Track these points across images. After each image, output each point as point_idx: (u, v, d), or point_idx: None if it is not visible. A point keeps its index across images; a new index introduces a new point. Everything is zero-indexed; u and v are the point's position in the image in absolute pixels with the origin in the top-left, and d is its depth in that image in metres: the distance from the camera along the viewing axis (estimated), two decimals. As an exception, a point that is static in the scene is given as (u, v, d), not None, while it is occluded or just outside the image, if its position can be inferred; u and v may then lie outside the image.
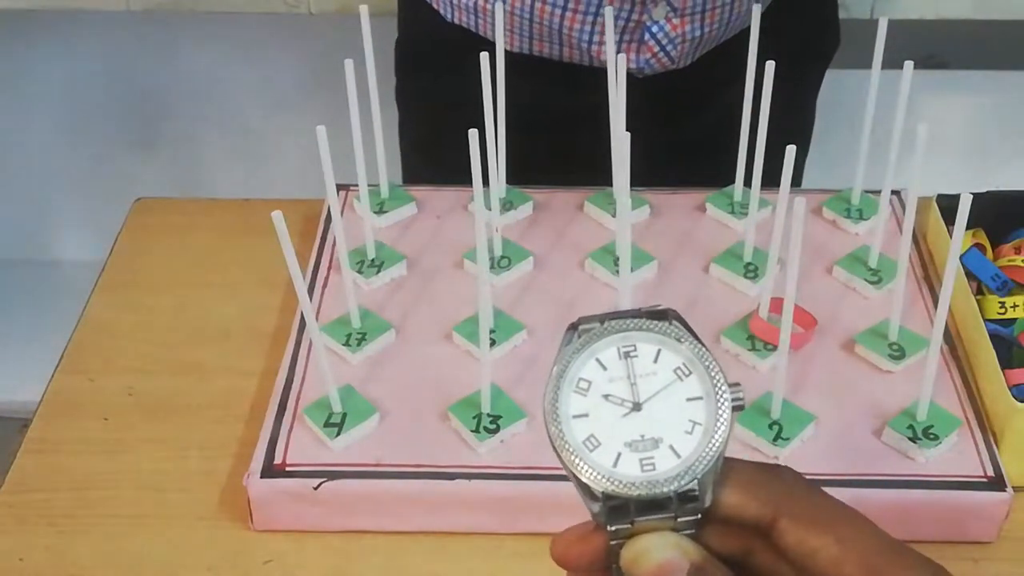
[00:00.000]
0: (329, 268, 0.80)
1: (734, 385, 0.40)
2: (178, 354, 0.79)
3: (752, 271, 0.79)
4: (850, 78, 0.97)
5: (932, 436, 0.66)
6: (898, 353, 0.72)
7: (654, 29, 0.88)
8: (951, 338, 0.75)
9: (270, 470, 0.66)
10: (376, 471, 0.66)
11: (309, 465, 0.66)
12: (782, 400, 0.67)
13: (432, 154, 1.03)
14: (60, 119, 1.75)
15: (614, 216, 0.83)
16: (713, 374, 0.40)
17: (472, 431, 0.67)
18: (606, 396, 0.40)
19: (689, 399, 0.40)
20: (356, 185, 0.82)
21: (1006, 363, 0.70)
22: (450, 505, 0.66)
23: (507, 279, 0.79)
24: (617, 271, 0.76)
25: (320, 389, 0.69)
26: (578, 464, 0.38)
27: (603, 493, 0.38)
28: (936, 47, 1.48)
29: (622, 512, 0.38)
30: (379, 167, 0.83)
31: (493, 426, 0.67)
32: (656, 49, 0.89)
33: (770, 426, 0.67)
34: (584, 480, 0.38)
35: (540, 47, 0.91)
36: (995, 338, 0.71)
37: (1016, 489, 0.65)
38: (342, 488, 0.65)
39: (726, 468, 0.39)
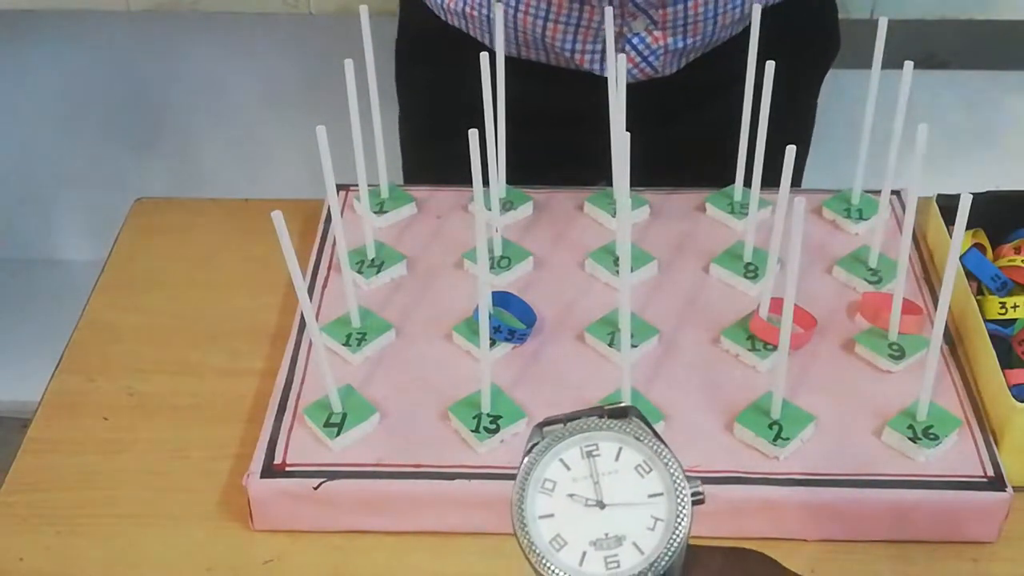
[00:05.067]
0: (329, 268, 0.80)
1: (692, 480, 0.41)
2: (178, 354, 0.79)
3: (752, 271, 0.79)
4: (850, 78, 0.97)
5: (932, 436, 0.66)
6: (898, 353, 0.72)
7: (634, 41, 0.87)
8: (951, 338, 0.75)
9: (270, 470, 0.66)
10: (376, 471, 0.66)
11: (309, 465, 0.66)
12: (782, 400, 0.67)
13: (431, 144, 1.03)
14: (60, 119, 1.75)
15: (614, 216, 0.83)
16: (672, 470, 0.41)
17: (472, 431, 0.67)
18: (571, 495, 0.41)
19: (651, 495, 0.41)
20: (356, 185, 0.82)
21: (1006, 363, 0.70)
22: (450, 505, 0.66)
23: (507, 279, 0.79)
24: (617, 271, 0.76)
25: (320, 389, 0.69)
26: (546, 565, 0.40)
27: None
28: (936, 47, 1.48)
29: None
30: (379, 167, 0.83)
31: (493, 426, 0.67)
32: (637, 60, 0.88)
33: (770, 426, 0.67)
34: None
35: (528, 53, 0.91)
36: (995, 338, 0.71)
37: (1016, 489, 0.65)
38: (342, 488, 0.65)
39: (693, 557, 0.40)
